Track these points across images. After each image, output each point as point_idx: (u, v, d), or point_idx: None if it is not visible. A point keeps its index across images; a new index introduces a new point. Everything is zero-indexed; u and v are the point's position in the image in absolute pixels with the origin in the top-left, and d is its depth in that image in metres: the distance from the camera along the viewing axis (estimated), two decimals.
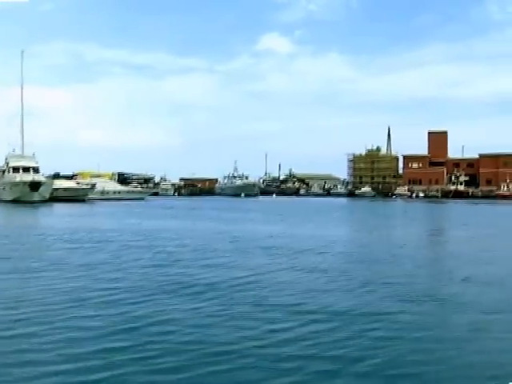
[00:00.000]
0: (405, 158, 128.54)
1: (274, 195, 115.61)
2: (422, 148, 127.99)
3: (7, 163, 64.33)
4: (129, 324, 8.06)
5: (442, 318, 8.91)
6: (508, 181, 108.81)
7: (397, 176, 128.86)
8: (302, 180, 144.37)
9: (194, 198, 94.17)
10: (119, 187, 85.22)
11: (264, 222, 33.48)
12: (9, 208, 48.46)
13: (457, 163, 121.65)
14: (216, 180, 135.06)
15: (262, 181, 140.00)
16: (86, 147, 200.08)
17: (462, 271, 13.63)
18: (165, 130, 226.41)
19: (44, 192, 58.77)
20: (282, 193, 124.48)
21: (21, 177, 59.44)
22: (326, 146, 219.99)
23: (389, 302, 9.86)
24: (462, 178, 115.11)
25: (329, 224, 31.98)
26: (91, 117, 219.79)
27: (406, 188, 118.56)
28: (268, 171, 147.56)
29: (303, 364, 6.47)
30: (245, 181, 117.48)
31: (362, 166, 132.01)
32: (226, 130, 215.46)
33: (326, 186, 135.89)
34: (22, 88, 68.21)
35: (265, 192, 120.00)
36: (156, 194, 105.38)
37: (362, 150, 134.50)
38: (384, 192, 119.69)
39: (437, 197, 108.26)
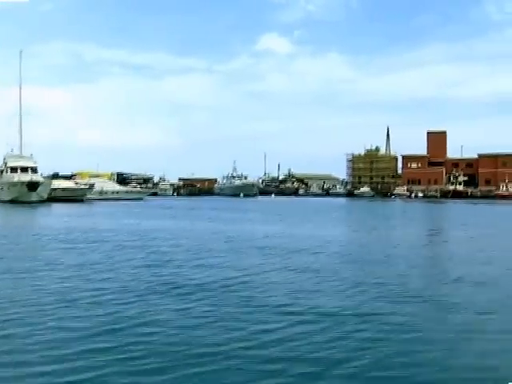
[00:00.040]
0: (404, 157, 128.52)
1: (273, 195, 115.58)
2: (421, 148, 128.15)
3: (5, 163, 64.22)
4: (115, 325, 8.01)
5: (432, 318, 8.81)
6: (507, 181, 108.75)
7: (396, 176, 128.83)
8: (301, 180, 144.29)
9: (193, 198, 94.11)
10: (118, 187, 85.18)
11: (261, 222, 33.43)
12: (7, 208, 48.39)
13: (456, 163, 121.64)
14: (215, 180, 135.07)
15: (261, 181, 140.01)
16: (86, 147, 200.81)
17: (455, 271, 13.60)
18: (164, 130, 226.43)
19: (42, 192, 58.69)
20: (281, 193, 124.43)
21: (19, 177, 59.36)
22: (326, 146, 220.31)
23: (380, 302, 9.79)
24: (461, 178, 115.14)
25: (326, 224, 31.90)
26: (90, 117, 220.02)
27: (405, 188, 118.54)
28: (267, 171, 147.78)
29: (287, 366, 6.41)
30: (244, 181, 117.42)
31: (360, 166, 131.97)
32: (226, 130, 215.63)
33: (324, 186, 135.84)
34: (20, 88, 68.26)
35: (264, 192, 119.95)
36: (155, 194, 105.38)
37: (361, 150, 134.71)
38: (383, 192, 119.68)
39: (436, 197, 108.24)
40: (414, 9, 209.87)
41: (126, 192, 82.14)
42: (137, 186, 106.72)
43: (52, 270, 12.95)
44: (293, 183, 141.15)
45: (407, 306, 9.49)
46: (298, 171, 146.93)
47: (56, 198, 59.85)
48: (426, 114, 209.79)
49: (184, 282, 11.50)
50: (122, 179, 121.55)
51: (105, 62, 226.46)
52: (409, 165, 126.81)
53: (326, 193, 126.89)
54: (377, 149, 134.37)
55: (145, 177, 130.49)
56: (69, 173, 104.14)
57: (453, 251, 19.84)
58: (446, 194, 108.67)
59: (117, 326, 7.93)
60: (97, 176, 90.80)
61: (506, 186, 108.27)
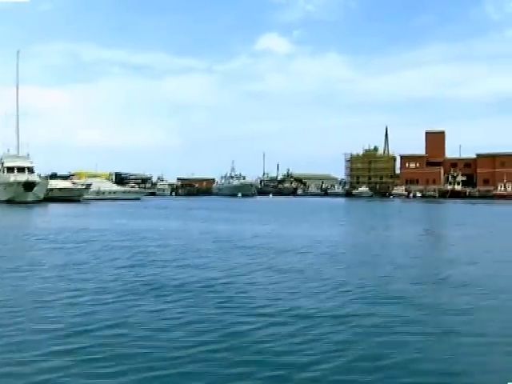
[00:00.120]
0: (402, 157, 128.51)
1: (271, 195, 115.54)
2: (419, 148, 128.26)
3: (2, 163, 64.14)
4: (87, 326, 7.91)
5: (410, 321, 8.62)
6: (505, 181, 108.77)
7: (394, 176, 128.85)
8: (299, 180, 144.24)
9: (191, 198, 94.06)
10: (115, 187, 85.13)
11: (254, 221, 33.30)
12: (3, 208, 48.30)
13: (454, 163, 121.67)
14: (213, 180, 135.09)
15: (259, 181, 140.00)
16: (85, 147, 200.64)
17: (442, 272, 13.51)
18: (163, 129, 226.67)
19: (38, 192, 58.62)
20: (280, 193, 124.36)
21: (15, 177, 59.32)
22: (325, 146, 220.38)
23: (359, 304, 9.67)
24: (459, 178, 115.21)
25: (319, 224, 31.81)
26: (90, 117, 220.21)
27: (403, 188, 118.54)
28: (266, 171, 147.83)
29: (255, 369, 6.30)
30: (242, 181, 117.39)
31: (359, 166, 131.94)
32: (225, 130, 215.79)
33: (323, 186, 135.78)
34: (17, 88, 68.16)
35: (262, 192, 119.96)
36: (153, 194, 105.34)
37: (359, 150, 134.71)
38: (381, 192, 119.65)
39: (434, 197, 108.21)
40: (413, 9, 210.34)
41: (123, 192, 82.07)
42: (135, 186, 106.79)
43: (34, 270, 12.86)
44: (291, 183, 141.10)
45: (386, 308, 9.36)
46: (296, 171, 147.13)
47: (53, 198, 59.81)
48: (425, 114, 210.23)
49: (164, 282, 11.41)
50: (120, 179, 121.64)
51: (104, 61, 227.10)
52: (407, 165, 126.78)
53: (325, 193, 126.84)
54: (375, 149, 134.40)
55: (143, 177, 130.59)
56: (68, 173, 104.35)
57: (444, 252, 19.82)
58: (444, 194, 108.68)
59: (88, 328, 7.83)
60: (94, 176, 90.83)
61: (504, 186, 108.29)
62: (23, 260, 14.58)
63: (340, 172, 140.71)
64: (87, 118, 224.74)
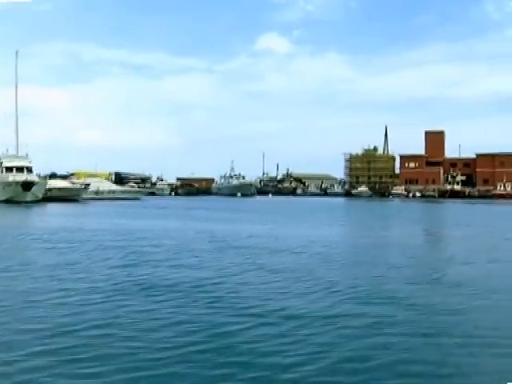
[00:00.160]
0: (401, 157, 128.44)
1: (270, 195, 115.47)
2: (419, 148, 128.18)
3: (0, 163, 64.08)
4: (74, 326, 7.85)
5: (401, 321, 8.53)
6: (505, 180, 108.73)
7: (393, 176, 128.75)
8: (299, 180, 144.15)
9: (190, 198, 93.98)
10: (114, 187, 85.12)
11: (251, 221, 33.25)
12: (1, 208, 48.26)
13: (453, 163, 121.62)
14: (213, 180, 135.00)
15: (259, 181, 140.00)
16: (85, 147, 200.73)
17: (436, 272, 13.43)
18: (163, 129, 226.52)
19: (37, 192, 58.60)
20: (279, 193, 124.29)
21: (14, 177, 59.32)
22: (324, 145, 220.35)
23: (350, 304, 9.58)
24: (459, 178, 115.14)
25: (316, 224, 31.77)
26: (89, 117, 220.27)
27: (403, 188, 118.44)
28: (266, 171, 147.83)
29: (238, 370, 6.23)
30: (241, 180, 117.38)
31: (358, 165, 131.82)
32: (225, 130, 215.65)
33: (322, 186, 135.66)
34: (16, 88, 68.06)
35: (262, 192, 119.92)
36: (152, 193, 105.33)
37: (359, 150, 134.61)
38: (381, 192, 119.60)
39: (433, 196, 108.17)
40: (413, 8, 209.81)
41: (122, 192, 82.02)
42: (134, 186, 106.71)
43: (26, 269, 12.81)
44: (291, 183, 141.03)
45: (376, 308, 9.27)
46: (296, 171, 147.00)
47: (51, 197, 59.80)
48: (425, 113, 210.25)
49: (155, 282, 11.35)
50: (119, 179, 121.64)
51: (104, 61, 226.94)
52: (406, 164, 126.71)
53: (324, 193, 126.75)
54: (375, 149, 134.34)
55: (143, 176, 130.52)
56: (66, 172, 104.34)
57: (440, 252, 19.81)
58: (443, 194, 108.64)
59: (75, 328, 7.77)
60: (93, 176, 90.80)
61: (504, 186, 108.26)
62: (15, 260, 14.53)
63: (339, 172, 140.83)
64: (87, 117, 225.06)
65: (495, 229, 30.13)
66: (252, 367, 6.40)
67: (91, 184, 72.65)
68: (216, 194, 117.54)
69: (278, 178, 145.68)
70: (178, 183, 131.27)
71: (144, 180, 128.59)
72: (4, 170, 61.85)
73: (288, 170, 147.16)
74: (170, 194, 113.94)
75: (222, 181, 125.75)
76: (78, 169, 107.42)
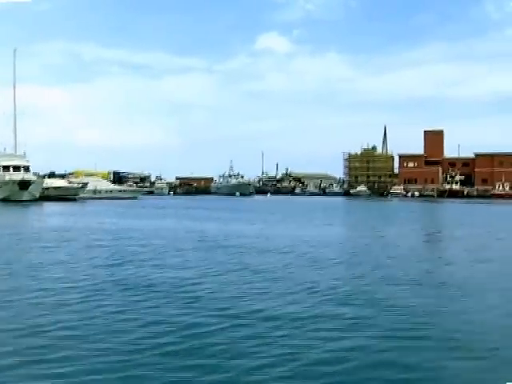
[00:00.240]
0: (400, 157, 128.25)
1: (269, 194, 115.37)
2: (418, 147, 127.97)
3: None
4: (44, 326, 7.80)
5: (377, 323, 8.42)
6: (503, 180, 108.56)
7: (392, 175, 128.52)
8: (298, 179, 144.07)
9: (189, 198, 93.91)
10: (111, 186, 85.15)
11: (245, 221, 33.11)
12: None
13: (452, 162, 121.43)
14: (212, 179, 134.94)
15: (258, 180, 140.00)
16: (84, 146, 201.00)
17: (420, 273, 13.25)
18: (163, 129, 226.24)
19: (34, 191, 58.68)
20: (278, 192, 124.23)
21: (10, 175, 59.41)
22: (324, 145, 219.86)
23: (328, 305, 9.45)
24: (458, 178, 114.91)
25: (309, 224, 31.67)
26: (89, 116, 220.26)
27: (402, 187, 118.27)
28: (267, 170, 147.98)
29: (206, 373, 6.16)
30: (240, 180, 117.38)
31: (357, 165, 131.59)
32: (225, 130, 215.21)
33: (321, 185, 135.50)
34: (14, 87, 68.23)
35: (261, 191, 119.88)
36: (151, 192, 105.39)
37: (358, 150, 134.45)
38: (379, 191, 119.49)
39: (432, 196, 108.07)
40: (413, 8, 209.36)
41: (120, 191, 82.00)
42: (133, 185, 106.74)
43: (8, 269, 12.76)
44: (290, 182, 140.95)
45: (355, 310, 9.15)
46: (296, 170, 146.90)
47: (49, 196, 59.83)
48: (425, 113, 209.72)
49: (136, 282, 11.27)
50: (118, 178, 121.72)
51: (104, 61, 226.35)
52: (405, 164, 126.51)
53: (323, 192, 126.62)
54: (373, 148, 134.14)
55: (142, 176, 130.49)
56: (64, 172, 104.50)
57: (429, 252, 19.71)
58: (442, 194, 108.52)
59: (45, 328, 7.72)
60: (91, 175, 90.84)
61: (503, 186, 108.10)
62: None
63: (339, 171, 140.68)
64: (87, 117, 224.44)
65: (490, 229, 30.01)
66: (221, 369, 6.32)
67: (89, 183, 72.71)
68: (215, 193, 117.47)
69: (278, 177, 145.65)
70: (177, 182, 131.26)
71: (143, 179, 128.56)
72: (1, 168, 61.92)
73: (287, 169, 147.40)
74: (168, 194, 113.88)
75: (221, 180, 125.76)
76: (78, 168, 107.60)
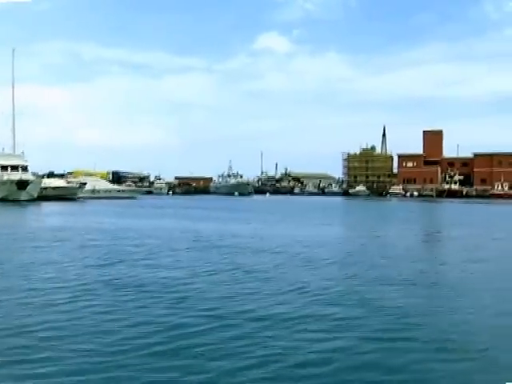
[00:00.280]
0: (399, 157, 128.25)
1: (268, 194, 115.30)
2: (418, 147, 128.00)
3: None
4: (29, 327, 7.74)
5: (366, 324, 8.36)
6: (502, 180, 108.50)
7: (391, 175, 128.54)
8: (297, 179, 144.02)
9: (188, 197, 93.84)
10: (110, 186, 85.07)
11: (241, 220, 33.07)
12: None
13: (451, 162, 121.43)
14: (211, 179, 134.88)
15: (257, 180, 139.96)
16: (84, 146, 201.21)
17: (413, 273, 13.17)
18: (163, 129, 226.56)
19: (32, 191, 58.63)
20: (277, 192, 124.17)
21: (8, 175, 59.35)
22: (324, 144, 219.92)
23: (318, 306, 9.36)
24: (457, 178, 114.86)
25: (305, 223, 31.63)
26: (89, 116, 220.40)
27: (401, 187, 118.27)
28: (266, 170, 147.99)
29: (190, 373, 6.10)
30: (239, 180, 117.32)
31: (356, 164, 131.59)
32: (225, 129, 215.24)
33: (320, 185, 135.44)
34: (13, 87, 68.04)
35: (260, 191, 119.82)
36: (150, 192, 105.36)
37: (357, 149, 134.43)
38: (378, 191, 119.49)
39: (431, 196, 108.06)
40: (412, 8, 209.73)
41: (118, 191, 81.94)
42: (132, 185, 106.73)
43: None
44: (289, 182, 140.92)
45: (345, 310, 9.08)
46: (296, 170, 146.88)
47: (47, 196, 59.79)
48: (424, 113, 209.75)
49: (126, 282, 11.19)
50: (117, 178, 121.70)
51: (104, 61, 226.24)
52: (404, 164, 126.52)
53: (322, 192, 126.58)
54: (372, 148, 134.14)
55: (141, 175, 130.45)
56: (63, 171, 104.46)
57: (423, 252, 19.66)
58: (441, 194, 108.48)
59: (30, 329, 7.66)
60: (90, 175, 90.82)
61: (502, 186, 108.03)
62: None
63: (338, 171, 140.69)
64: (87, 116, 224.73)
65: (487, 228, 30.00)
66: (206, 370, 6.26)
67: (87, 183, 72.65)
68: (214, 193, 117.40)
69: (277, 177, 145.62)
70: (176, 182, 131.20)
71: (142, 179, 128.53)
72: None
73: (286, 169, 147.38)
74: (167, 194, 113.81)
75: (220, 180, 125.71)
76: (78, 168, 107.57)
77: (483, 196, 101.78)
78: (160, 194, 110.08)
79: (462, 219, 39.72)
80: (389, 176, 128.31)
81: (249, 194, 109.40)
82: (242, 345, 7.21)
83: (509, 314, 9.20)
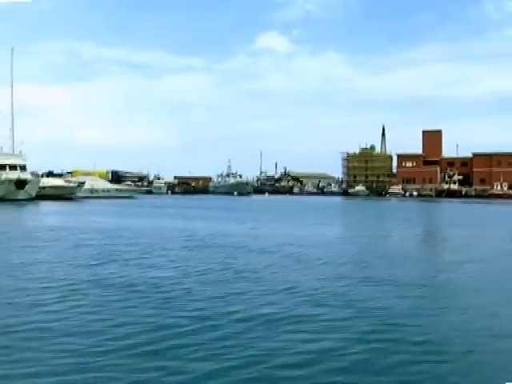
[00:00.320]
0: (399, 156, 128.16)
1: (267, 194, 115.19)
2: (417, 147, 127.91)
3: None
4: (14, 327, 7.70)
5: (351, 326, 8.27)
6: (501, 180, 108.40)
7: (391, 175, 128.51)
8: (296, 179, 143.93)
9: (187, 197, 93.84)
10: (109, 185, 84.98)
11: (237, 220, 33.01)
12: None
13: (451, 162, 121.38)
14: (210, 179, 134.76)
15: (256, 179, 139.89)
16: (84, 146, 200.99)
17: (404, 274, 13.08)
18: (163, 128, 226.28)
19: (30, 190, 58.65)
20: (276, 191, 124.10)
21: (7, 175, 59.33)
22: (323, 144, 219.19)
23: (304, 307, 9.28)
24: (456, 177, 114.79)
25: (301, 223, 31.60)
26: (89, 115, 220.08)
27: (400, 187, 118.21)
28: (266, 170, 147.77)
29: (164, 375, 6.05)
30: (238, 179, 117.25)
31: (355, 164, 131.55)
32: (224, 129, 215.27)
33: (320, 185, 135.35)
34: (12, 86, 68.10)
35: (259, 191, 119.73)
36: (149, 192, 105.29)
37: (356, 149, 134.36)
38: (378, 191, 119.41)
39: (431, 196, 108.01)
40: (412, 7, 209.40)
41: (117, 190, 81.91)
42: (131, 185, 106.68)
43: None
44: (288, 182, 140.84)
45: (331, 311, 9.00)
46: (295, 170, 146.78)
47: (45, 195, 59.78)
48: (424, 112, 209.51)
49: (114, 282, 11.12)
50: (117, 177, 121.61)
51: (104, 60, 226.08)
52: (404, 164, 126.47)
53: (321, 191, 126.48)
54: (371, 147, 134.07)
55: (140, 175, 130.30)
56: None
57: (416, 252, 19.61)
58: (440, 193, 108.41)
59: (16, 329, 7.64)
60: (88, 174, 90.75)
61: (501, 186, 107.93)
62: None
63: (337, 171, 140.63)
64: (87, 116, 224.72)
65: (484, 229, 29.91)
66: (187, 371, 6.20)
67: (86, 182, 72.64)
68: (213, 192, 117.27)
69: (276, 177, 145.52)
70: (176, 182, 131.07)
71: (141, 178, 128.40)
72: None
73: (286, 168, 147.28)
74: (166, 193, 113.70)
75: (219, 180, 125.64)
76: (77, 167, 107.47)
77: (482, 196, 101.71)
78: (159, 193, 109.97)
79: (460, 219, 39.70)
80: (388, 176, 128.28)
81: (248, 193, 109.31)
82: (225, 345, 7.15)
83: (498, 315, 9.12)
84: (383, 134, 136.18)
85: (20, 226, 26.58)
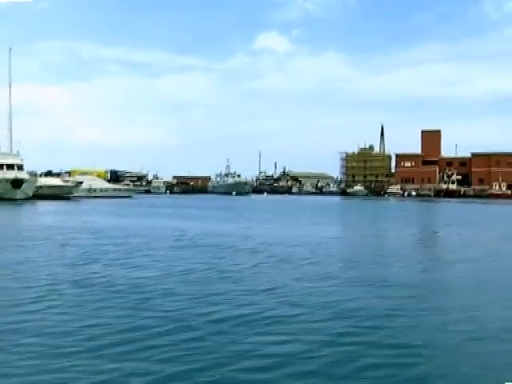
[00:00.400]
0: (397, 156, 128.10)
1: (266, 194, 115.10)
2: (416, 147, 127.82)
3: None
4: None
5: (328, 327, 8.14)
6: (500, 180, 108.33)
7: (389, 175, 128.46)
8: (295, 178, 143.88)
9: (185, 197, 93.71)
10: (107, 185, 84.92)
11: (232, 220, 32.96)
12: None
13: (449, 162, 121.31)
14: (209, 178, 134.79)
15: (255, 179, 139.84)
16: (84, 145, 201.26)
17: (391, 274, 13.02)
18: (162, 128, 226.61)
19: (27, 189, 58.62)
20: (275, 191, 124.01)
21: (3, 174, 59.29)
22: (323, 144, 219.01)
23: (282, 308, 9.12)
24: (454, 177, 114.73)
25: (296, 223, 31.51)
26: (89, 115, 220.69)
27: (399, 187, 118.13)
28: (265, 170, 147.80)
29: (131, 376, 5.95)
30: (236, 179, 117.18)
31: (354, 164, 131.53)
32: (224, 129, 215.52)
33: (318, 185, 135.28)
34: (10, 86, 68.13)
35: (258, 190, 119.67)
36: (148, 191, 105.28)
37: (355, 149, 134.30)
38: (376, 191, 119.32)
39: (429, 196, 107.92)
40: (411, 7, 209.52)
41: (115, 190, 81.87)
42: (130, 184, 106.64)
43: None
44: (287, 181, 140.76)
45: (308, 312, 8.85)
46: (294, 170, 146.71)
47: (42, 195, 59.76)
48: (423, 112, 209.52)
49: (94, 282, 11.00)
50: (115, 177, 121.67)
51: (104, 60, 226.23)
52: (402, 163, 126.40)
53: (320, 191, 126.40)
54: (370, 147, 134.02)
55: (139, 174, 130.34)
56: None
57: (408, 251, 19.46)
58: (439, 193, 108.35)
59: None
60: (86, 174, 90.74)
61: (499, 186, 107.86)
62: None
63: (336, 171, 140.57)
64: (86, 115, 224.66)
65: (481, 229, 29.83)
66: (154, 372, 6.10)
67: (84, 182, 72.63)
68: (212, 192, 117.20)
69: (275, 176, 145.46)
70: (174, 181, 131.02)
71: (140, 178, 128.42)
72: None
73: (285, 168, 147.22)
74: (165, 193, 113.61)
75: (218, 179, 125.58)
76: (77, 167, 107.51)
77: (481, 196, 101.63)
78: (158, 193, 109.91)
79: (457, 219, 39.55)
80: (387, 176, 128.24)
81: (247, 193, 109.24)
82: (195, 347, 7.02)
83: (482, 316, 8.99)
84: (382, 133, 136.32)
85: (15, 225, 26.48)
